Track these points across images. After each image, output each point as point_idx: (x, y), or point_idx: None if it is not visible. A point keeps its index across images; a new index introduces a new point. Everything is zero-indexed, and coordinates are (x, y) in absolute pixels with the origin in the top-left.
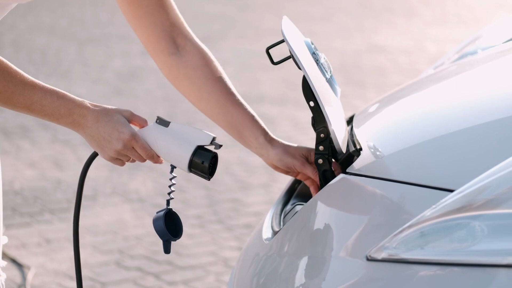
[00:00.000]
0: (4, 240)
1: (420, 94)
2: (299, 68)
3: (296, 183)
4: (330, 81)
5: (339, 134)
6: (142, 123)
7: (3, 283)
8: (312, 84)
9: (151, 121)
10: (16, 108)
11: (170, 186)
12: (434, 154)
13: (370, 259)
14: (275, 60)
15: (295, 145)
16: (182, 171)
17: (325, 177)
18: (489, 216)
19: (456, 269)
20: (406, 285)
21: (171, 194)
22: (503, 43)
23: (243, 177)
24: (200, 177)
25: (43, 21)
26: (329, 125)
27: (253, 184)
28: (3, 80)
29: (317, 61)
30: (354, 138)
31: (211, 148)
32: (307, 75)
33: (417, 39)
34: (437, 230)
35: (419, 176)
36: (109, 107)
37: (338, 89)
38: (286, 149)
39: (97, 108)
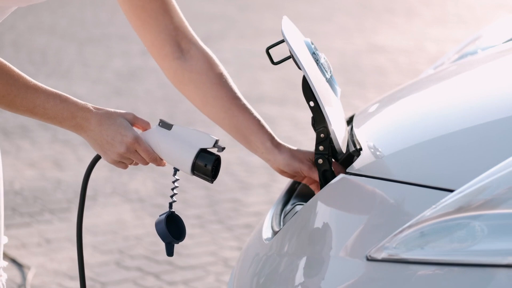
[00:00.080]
0: (4, 240)
1: (420, 94)
2: (299, 68)
3: (296, 183)
4: (330, 81)
5: (339, 134)
6: (145, 126)
7: (4, 283)
8: (312, 84)
9: (154, 124)
10: (19, 112)
11: (173, 189)
12: (434, 154)
13: (370, 259)
14: (275, 60)
15: (302, 149)
16: (184, 173)
17: (325, 177)
18: (489, 216)
19: (456, 269)
20: (406, 285)
21: (174, 197)
22: (503, 43)
23: (243, 177)
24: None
25: (43, 21)
26: (329, 125)
27: (253, 184)
28: (6, 83)
29: (317, 61)
30: (354, 138)
31: (214, 150)
32: (307, 75)
33: (417, 39)
34: (437, 230)
35: (419, 176)
36: (112, 110)
37: (338, 89)
38: (293, 153)
39: (100, 112)
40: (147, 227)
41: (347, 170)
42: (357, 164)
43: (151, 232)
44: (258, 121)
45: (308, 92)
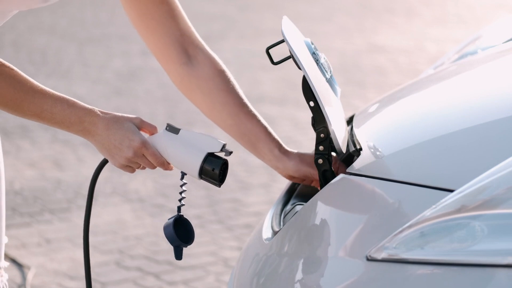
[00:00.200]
0: (4, 240)
1: (420, 94)
2: (299, 68)
3: (296, 183)
4: (330, 81)
5: (339, 134)
6: (152, 130)
7: (6, 283)
8: (312, 84)
9: (161, 128)
10: (26, 116)
11: (181, 193)
12: (434, 154)
13: (370, 259)
14: (275, 60)
15: (307, 152)
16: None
17: (325, 177)
18: (489, 216)
19: (456, 269)
20: (406, 285)
21: (182, 201)
22: (503, 43)
23: (243, 177)
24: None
25: (43, 21)
26: (329, 125)
27: (253, 184)
28: (13, 88)
29: (317, 61)
30: (354, 138)
31: (221, 154)
32: (307, 75)
33: (417, 39)
34: (437, 230)
35: (419, 176)
36: (119, 114)
37: (338, 89)
38: (302, 158)
39: (107, 116)
40: (147, 227)
41: (347, 170)
42: (357, 164)
43: (151, 232)
44: (265, 128)
45: (308, 92)
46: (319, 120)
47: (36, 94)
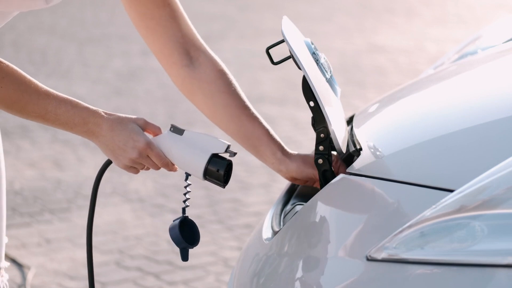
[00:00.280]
0: (5, 240)
1: (420, 94)
2: (299, 68)
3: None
4: (330, 81)
5: (339, 134)
6: (156, 131)
7: (7, 283)
8: (312, 84)
9: (165, 129)
10: (30, 117)
11: (185, 194)
12: (434, 154)
13: (370, 259)
14: (275, 60)
15: (309, 154)
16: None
17: (325, 177)
18: (489, 216)
19: (456, 269)
20: (406, 285)
21: (186, 202)
22: (503, 43)
23: (243, 177)
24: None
25: (43, 21)
26: (329, 125)
27: (253, 184)
28: (18, 89)
29: (317, 61)
30: (354, 138)
31: (226, 155)
32: (307, 75)
33: (417, 39)
34: (437, 230)
35: (419, 176)
36: (123, 115)
37: (338, 89)
38: (304, 160)
39: (111, 117)
40: (147, 227)
41: (347, 170)
42: (357, 164)
43: (151, 232)
44: (268, 130)
45: (308, 92)
46: (319, 120)
47: (40, 96)
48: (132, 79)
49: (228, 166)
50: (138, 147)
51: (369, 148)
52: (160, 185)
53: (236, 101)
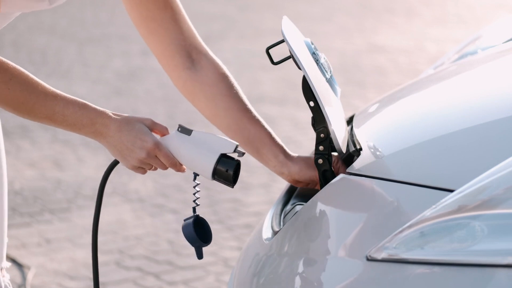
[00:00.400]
0: (6, 240)
1: (420, 94)
2: (299, 68)
3: None
4: (330, 81)
5: (339, 134)
6: (164, 131)
7: (8, 283)
8: (312, 84)
9: (172, 130)
10: (38, 119)
11: (194, 194)
12: (434, 154)
13: (370, 259)
14: (275, 60)
15: (311, 156)
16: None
17: (325, 177)
18: (489, 216)
19: (455, 269)
20: (406, 285)
21: (196, 201)
22: (503, 43)
23: (243, 177)
24: (223, 184)
25: (43, 21)
26: (329, 125)
27: (253, 184)
28: (25, 91)
29: (317, 61)
30: (354, 138)
31: (234, 155)
32: (307, 75)
33: (417, 39)
34: (437, 230)
35: (419, 176)
36: (130, 116)
37: (338, 89)
38: (307, 162)
39: (118, 118)
40: (147, 227)
41: (347, 170)
42: (357, 164)
43: (151, 232)
44: (269, 133)
45: (308, 92)
46: (319, 120)
47: (48, 97)
48: (132, 79)
49: (237, 166)
50: (146, 147)
51: (369, 148)
52: (160, 185)
53: (237, 104)
